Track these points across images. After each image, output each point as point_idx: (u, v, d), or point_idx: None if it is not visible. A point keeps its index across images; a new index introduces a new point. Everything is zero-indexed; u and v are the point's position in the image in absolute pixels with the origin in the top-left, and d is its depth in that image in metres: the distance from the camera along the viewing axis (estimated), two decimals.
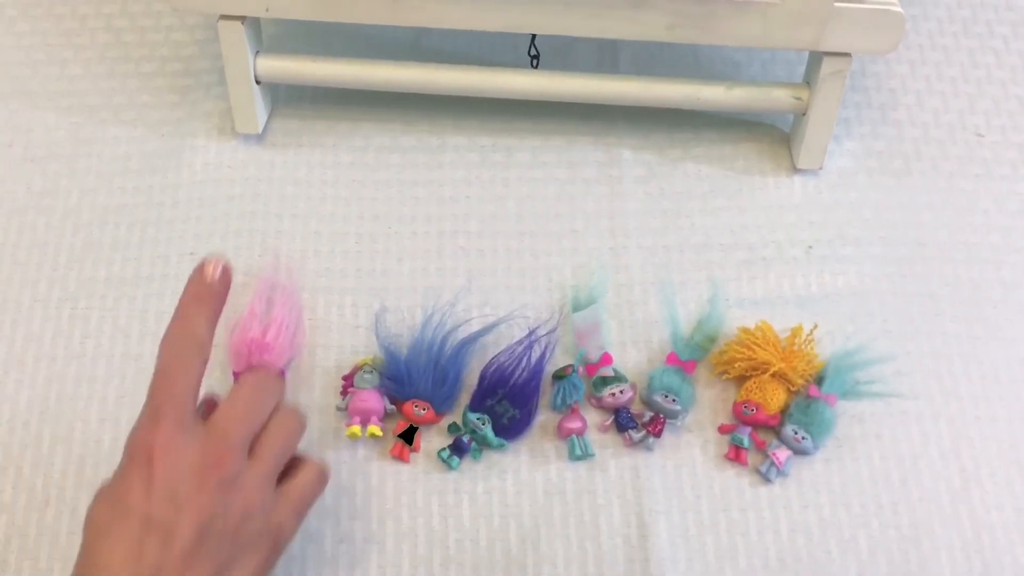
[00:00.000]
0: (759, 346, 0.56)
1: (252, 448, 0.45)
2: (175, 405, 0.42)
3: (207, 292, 0.45)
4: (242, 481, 0.43)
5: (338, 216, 0.62)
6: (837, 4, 0.56)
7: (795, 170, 0.64)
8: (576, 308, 0.58)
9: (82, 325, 0.58)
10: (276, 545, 0.45)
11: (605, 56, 0.68)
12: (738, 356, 0.56)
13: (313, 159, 0.64)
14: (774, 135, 0.65)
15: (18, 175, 0.63)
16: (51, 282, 0.60)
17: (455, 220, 0.62)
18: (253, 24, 0.61)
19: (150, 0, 0.70)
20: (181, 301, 0.45)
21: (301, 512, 0.47)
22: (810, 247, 0.62)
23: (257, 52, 0.62)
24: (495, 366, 0.56)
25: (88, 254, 0.61)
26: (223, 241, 0.61)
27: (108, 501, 0.42)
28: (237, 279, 0.59)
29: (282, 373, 0.56)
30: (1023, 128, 0.66)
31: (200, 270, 0.45)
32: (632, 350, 0.58)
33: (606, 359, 0.57)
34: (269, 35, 0.66)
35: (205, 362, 0.44)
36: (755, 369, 0.56)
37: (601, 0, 0.57)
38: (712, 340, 0.58)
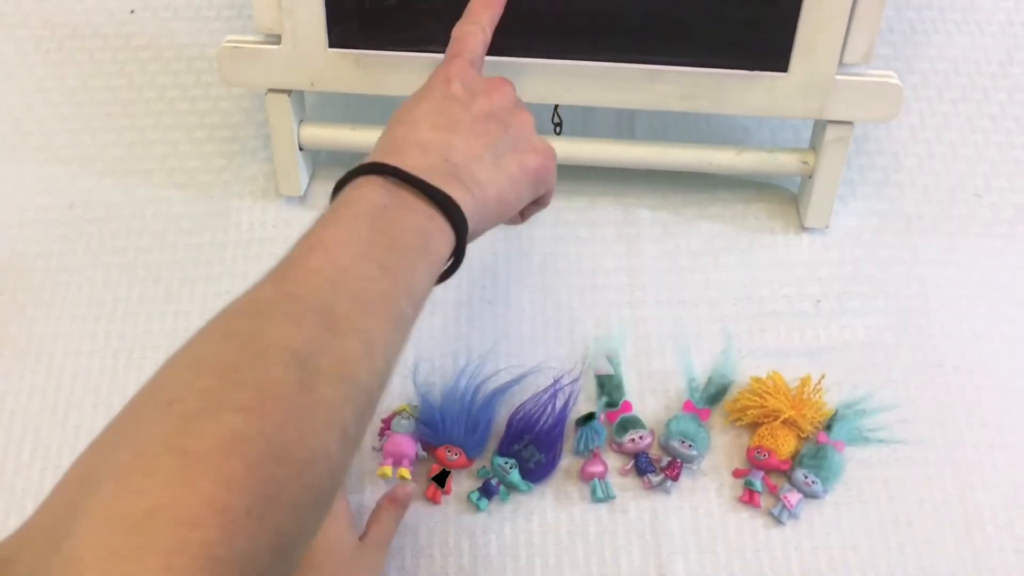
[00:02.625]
0: (770, 395, 0.60)
1: None
2: (467, 53, 0.50)
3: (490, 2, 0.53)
4: (518, 107, 0.50)
5: None
6: (839, 77, 0.60)
7: (803, 228, 0.68)
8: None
9: (136, 374, 0.63)
10: (546, 164, 0.49)
11: (623, 123, 0.73)
12: (750, 404, 0.60)
13: None
14: (783, 195, 0.70)
15: (78, 234, 0.68)
16: (108, 334, 0.64)
17: (484, 276, 0.66)
18: (298, 96, 0.66)
19: (200, 72, 0.75)
20: (472, 3, 0.52)
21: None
22: (818, 301, 0.65)
23: (301, 121, 0.67)
24: (522, 413, 0.60)
25: (143, 308, 0.65)
26: None
27: (413, 96, 0.49)
28: None
29: None
30: (1020, 189, 0.70)
31: None
32: (650, 398, 0.62)
33: (626, 407, 0.61)
34: (311, 104, 0.71)
35: (486, 44, 0.52)
36: (767, 416, 0.59)
37: (619, 74, 0.62)
38: (726, 389, 0.62)
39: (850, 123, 0.63)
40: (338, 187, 0.44)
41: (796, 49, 0.60)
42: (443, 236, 0.43)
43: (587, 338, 0.64)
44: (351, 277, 0.39)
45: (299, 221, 0.68)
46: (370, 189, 0.43)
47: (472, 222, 0.45)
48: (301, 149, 0.67)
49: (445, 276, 0.45)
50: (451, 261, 0.45)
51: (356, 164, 0.45)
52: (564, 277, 0.66)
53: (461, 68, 0.49)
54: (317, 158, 0.71)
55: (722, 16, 0.59)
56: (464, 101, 0.48)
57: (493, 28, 0.52)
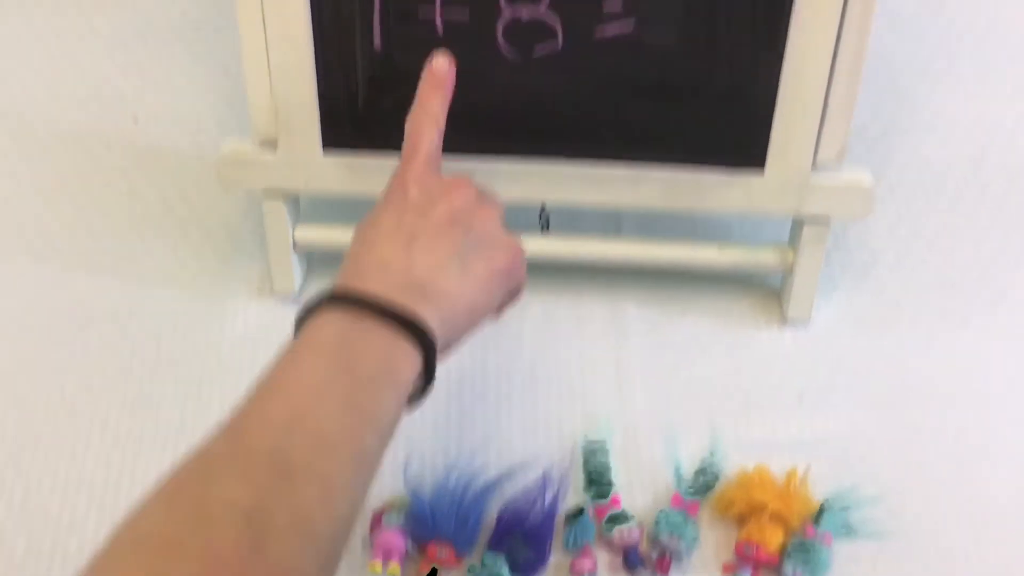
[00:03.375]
0: (757, 488, 0.60)
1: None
2: (422, 154, 0.50)
3: (439, 80, 0.53)
4: (484, 204, 0.50)
5: None
6: (813, 177, 0.63)
7: (785, 322, 0.69)
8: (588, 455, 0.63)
9: (130, 475, 0.63)
10: (515, 262, 0.49)
11: (609, 221, 0.75)
12: (738, 497, 0.60)
13: None
14: (765, 290, 0.71)
15: (76, 335, 0.70)
16: (103, 432, 0.65)
17: (474, 371, 0.68)
18: (293, 198, 0.68)
19: (200, 177, 0.78)
20: (420, 89, 0.53)
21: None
22: (802, 394, 0.66)
23: (295, 222, 0.69)
24: (512, 508, 0.60)
25: (137, 406, 0.66)
26: None
27: (373, 210, 0.49)
28: None
29: None
30: (995, 282, 0.72)
31: (432, 63, 0.54)
32: (639, 492, 0.62)
33: (615, 501, 0.61)
34: (306, 205, 0.73)
35: (441, 133, 0.52)
36: (754, 510, 0.60)
37: (603, 175, 0.64)
38: (714, 482, 0.62)
39: (826, 220, 0.65)
40: (300, 320, 0.43)
41: (771, 151, 0.62)
42: (409, 359, 0.42)
43: (576, 432, 0.65)
44: (309, 419, 0.38)
45: (292, 319, 0.70)
46: (330, 321, 0.42)
47: (443, 336, 0.44)
48: (296, 249, 0.69)
49: (418, 397, 0.44)
50: (423, 381, 0.43)
51: (315, 295, 0.44)
52: (553, 372, 0.68)
53: (417, 173, 0.49)
54: (311, 257, 0.73)
55: (701, 119, 0.62)
56: (423, 208, 0.47)
57: (446, 111, 0.52)
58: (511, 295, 0.51)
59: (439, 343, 0.44)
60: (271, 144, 0.65)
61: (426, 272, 0.45)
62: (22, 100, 0.83)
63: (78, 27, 0.87)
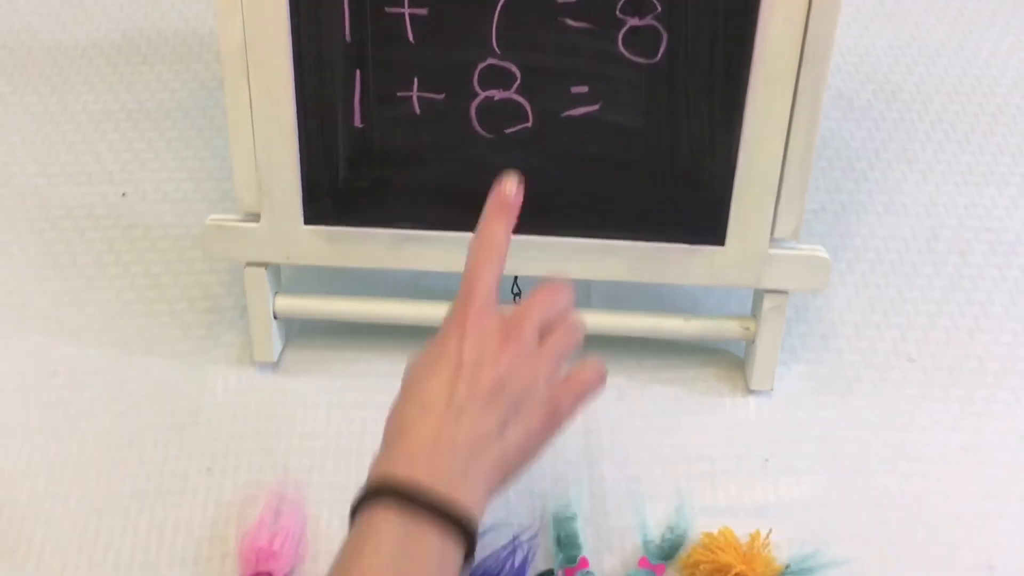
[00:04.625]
0: (721, 550, 0.62)
1: (542, 339, 0.52)
2: (482, 292, 0.51)
3: (505, 204, 0.54)
4: (532, 357, 0.51)
5: (343, 434, 0.69)
6: (772, 251, 0.66)
7: (749, 391, 0.72)
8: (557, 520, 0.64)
9: (106, 536, 0.64)
10: (552, 419, 0.51)
11: (579, 292, 0.77)
12: (703, 559, 0.62)
13: (322, 384, 0.72)
14: (730, 360, 0.74)
15: (58, 401, 0.71)
16: (81, 497, 0.66)
17: None
18: (274, 269, 0.71)
19: (184, 249, 0.80)
20: (486, 211, 0.53)
21: (580, 397, 0.53)
22: (766, 460, 0.68)
23: (276, 292, 0.71)
24: (482, 570, 0.62)
25: (116, 470, 0.67)
26: (238, 458, 0.68)
27: (428, 352, 0.51)
28: (249, 492, 0.66)
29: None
30: (950, 354, 0.75)
31: (501, 186, 0.54)
32: (607, 554, 0.64)
33: (583, 563, 0.63)
34: (287, 276, 0.76)
35: (503, 261, 0.53)
36: (719, 571, 0.61)
37: (572, 247, 0.67)
38: (680, 545, 0.64)
39: (785, 292, 0.68)
40: (355, 508, 0.47)
41: (731, 226, 0.65)
42: (457, 546, 0.46)
43: (546, 496, 0.66)
44: None
45: (271, 386, 0.72)
46: (386, 519, 0.46)
47: (484, 504, 0.48)
48: (276, 318, 0.72)
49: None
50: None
51: (370, 476, 0.48)
52: None
53: (474, 319, 0.50)
54: (291, 326, 0.75)
55: (663, 198, 0.65)
56: (474, 373, 0.49)
57: (510, 239, 0.52)
58: (556, 432, 0.53)
59: (481, 511, 0.48)
60: (254, 217, 0.67)
61: (470, 451, 0.48)
62: (15, 176, 0.86)
63: (70, 107, 0.91)
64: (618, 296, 0.78)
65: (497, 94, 0.63)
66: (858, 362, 0.74)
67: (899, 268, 0.80)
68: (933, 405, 0.72)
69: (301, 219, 0.67)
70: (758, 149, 0.63)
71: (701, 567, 0.62)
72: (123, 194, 0.84)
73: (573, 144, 0.64)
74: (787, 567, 0.62)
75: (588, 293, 0.78)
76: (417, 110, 0.64)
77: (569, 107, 0.63)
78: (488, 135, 0.64)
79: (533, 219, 0.66)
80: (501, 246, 0.53)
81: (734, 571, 0.61)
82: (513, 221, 0.54)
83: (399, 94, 0.63)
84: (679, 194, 0.65)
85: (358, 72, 0.63)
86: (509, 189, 0.53)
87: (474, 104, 0.64)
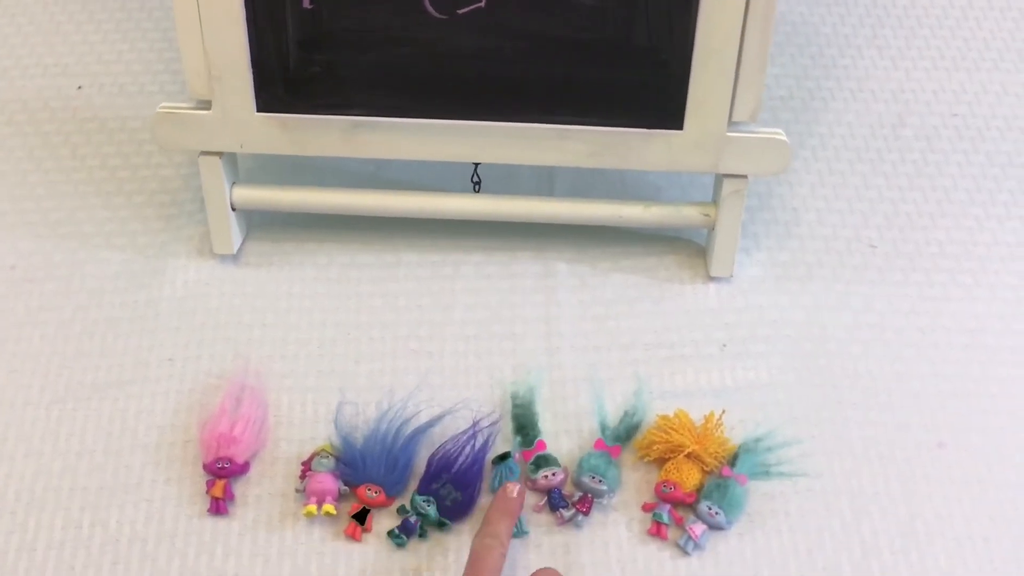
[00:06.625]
0: (675, 430, 0.63)
1: None
2: None
3: (509, 505, 0.59)
4: None
5: (303, 325, 0.70)
6: (730, 134, 0.65)
7: (710, 278, 0.72)
8: (516, 401, 0.65)
9: (68, 424, 0.65)
10: None
11: (543, 182, 0.77)
12: (657, 440, 0.63)
13: (282, 276, 0.72)
14: (691, 248, 0.74)
15: (18, 293, 0.71)
16: (43, 387, 0.67)
17: (408, 326, 0.70)
18: (230, 159, 0.70)
19: (142, 142, 0.79)
20: (489, 512, 0.59)
21: None
22: (724, 345, 0.69)
23: (233, 183, 0.71)
24: (441, 453, 0.62)
25: (78, 362, 0.68)
26: (199, 348, 0.68)
27: None
28: (210, 381, 0.66)
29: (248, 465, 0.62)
30: (911, 240, 0.75)
31: (506, 489, 0.60)
32: (564, 438, 0.65)
33: (540, 445, 0.64)
34: (245, 168, 0.75)
35: (504, 555, 0.56)
36: (672, 451, 0.62)
37: (532, 133, 0.66)
38: (636, 428, 0.65)
39: (744, 177, 0.68)
40: None
41: (689, 109, 0.65)
42: None
43: (506, 382, 0.67)
44: None
45: (231, 278, 0.72)
46: None
47: None
48: (234, 210, 0.71)
49: None
50: None
51: None
52: (485, 327, 0.70)
53: None
54: (251, 219, 0.74)
55: (621, 80, 0.64)
56: None
57: (510, 537, 0.57)
58: None
59: None
60: (206, 105, 0.66)
61: None
62: None
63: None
64: (581, 186, 0.77)
65: None
66: (820, 248, 0.74)
67: (864, 155, 0.79)
68: (892, 290, 0.72)
69: (254, 106, 0.66)
70: (715, 27, 0.62)
71: (655, 447, 0.63)
72: (79, 87, 0.83)
73: (528, 24, 0.63)
74: (740, 446, 0.63)
75: (551, 182, 0.77)
76: None
77: None
78: (440, 16, 0.63)
79: (491, 104, 0.66)
80: (504, 540, 0.57)
81: (686, 451, 0.62)
82: (516, 519, 0.59)
83: None
84: (637, 76, 0.64)
85: None
86: (512, 491, 0.59)
87: None
